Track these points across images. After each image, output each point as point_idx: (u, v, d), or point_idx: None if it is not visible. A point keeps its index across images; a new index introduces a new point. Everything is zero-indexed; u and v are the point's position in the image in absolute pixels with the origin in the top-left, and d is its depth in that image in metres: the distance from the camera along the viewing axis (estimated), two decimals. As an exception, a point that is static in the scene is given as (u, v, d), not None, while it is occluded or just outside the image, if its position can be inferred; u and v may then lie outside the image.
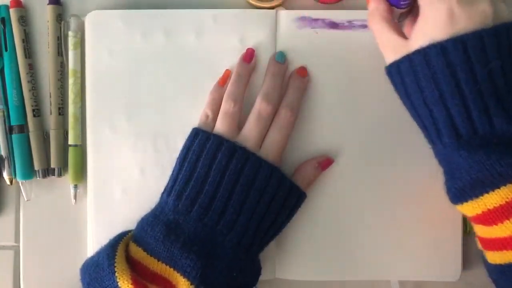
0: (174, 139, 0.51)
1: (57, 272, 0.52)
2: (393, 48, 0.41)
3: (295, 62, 0.51)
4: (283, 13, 0.51)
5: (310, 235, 0.51)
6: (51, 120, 0.52)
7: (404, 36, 0.41)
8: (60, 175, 0.52)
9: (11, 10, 0.52)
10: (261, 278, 0.51)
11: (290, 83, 0.50)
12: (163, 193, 0.47)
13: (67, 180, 0.52)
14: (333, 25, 0.51)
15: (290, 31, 0.51)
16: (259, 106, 0.47)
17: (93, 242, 0.51)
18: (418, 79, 0.39)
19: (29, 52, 0.53)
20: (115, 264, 0.41)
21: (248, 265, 0.45)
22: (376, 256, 0.51)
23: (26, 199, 0.52)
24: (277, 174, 0.45)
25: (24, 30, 0.52)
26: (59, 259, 0.52)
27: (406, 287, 0.52)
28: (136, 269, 0.43)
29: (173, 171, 0.47)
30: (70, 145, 0.52)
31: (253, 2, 0.52)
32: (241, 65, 0.50)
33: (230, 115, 0.47)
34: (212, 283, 0.42)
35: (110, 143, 0.51)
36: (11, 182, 0.52)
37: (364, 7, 0.52)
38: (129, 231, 0.47)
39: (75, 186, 0.52)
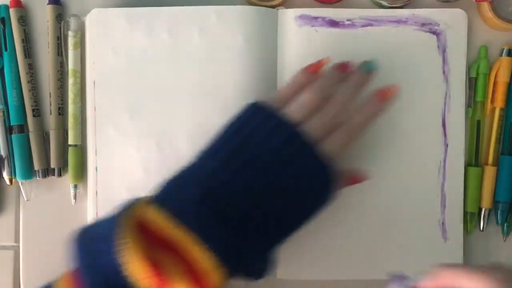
0: (178, 138, 0.50)
1: (57, 272, 0.51)
2: None
3: (295, 61, 0.51)
4: (284, 11, 0.51)
5: (312, 235, 0.51)
6: (51, 120, 0.52)
7: None
8: (60, 175, 0.52)
9: (11, 10, 0.52)
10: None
11: (370, 97, 0.46)
12: (199, 156, 0.43)
13: (67, 180, 0.52)
14: (333, 23, 0.51)
15: (290, 29, 0.51)
16: (332, 104, 0.44)
17: (93, 242, 0.51)
18: None
19: (29, 52, 0.53)
20: (121, 236, 0.36)
21: (270, 256, 0.43)
22: (377, 256, 0.51)
23: (26, 199, 0.52)
24: (330, 172, 0.42)
25: (24, 30, 0.52)
26: (59, 259, 0.52)
27: (407, 287, 0.52)
28: (147, 234, 0.38)
29: (216, 138, 0.43)
30: (70, 145, 0.52)
31: (254, 0, 0.52)
32: (334, 71, 0.46)
33: (305, 107, 0.43)
34: (238, 264, 0.39)
35: (112, 142, 0.51)
36: (11, 182, 0.52)
37: (364, 6, 0.52)
38: (139, 198, 0.41)
39: (75, 186, 0.52)
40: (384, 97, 0.46)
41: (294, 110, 0.43)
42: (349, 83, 0.46)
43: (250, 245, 0.40)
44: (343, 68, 0.46)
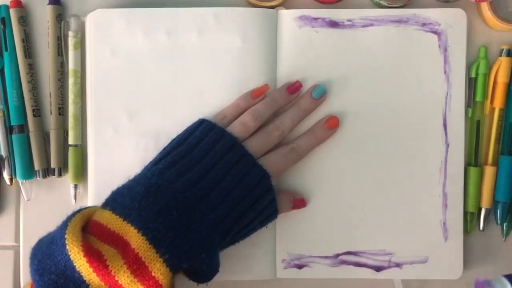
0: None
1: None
2: None
3: (296, 61, 0.51)
4: (283, 12, 0.51)
5: (312, 235, 0.51)
6: (51, 120, 0.52)
7: None
8: (60, 175, 0.52)
9: (11, 10, 0.52)
10: (261, 278, 0.51)
11: (313, 126, 0.50)
12: (147, 165, 0.47)
13: (67, 180, 0.52)
14: (333, 24, 0.51)
15: (290, 30, 0.51)
16: (271, 126, 0.48)
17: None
18: None
19: (29, 52, 0.53)
20: (66, 236, 0.39)
21: (214, 254, 0.44)
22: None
23: (26, 199, 0.52)
24: (267, 181, 0.46)
25: (24, 30, 0.52)
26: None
27: (409, 286, 0.52)
28: (93, 230, 0.41)
29: (164, 149, 0.48)
30: (70, 145, 0.52)
31: (253, 1, 0.52)
32: (282, 93, 0.50)
33: (245, 126, 0.48)
34: (180, 256, 0.41)
35: (112, 142, 0.51)
36: (11, 182, 0.52)
37: (364, 6, 0.52)
38: (90, 206, 0.45)
39: (75, 186, 0.52)
40: (332, 125, 0.50)
41: (234, 128, 0.47)
42: (296, 107, 0.50)
43: (190, 239, 0.42)
44: (292, 90, 0.50)
